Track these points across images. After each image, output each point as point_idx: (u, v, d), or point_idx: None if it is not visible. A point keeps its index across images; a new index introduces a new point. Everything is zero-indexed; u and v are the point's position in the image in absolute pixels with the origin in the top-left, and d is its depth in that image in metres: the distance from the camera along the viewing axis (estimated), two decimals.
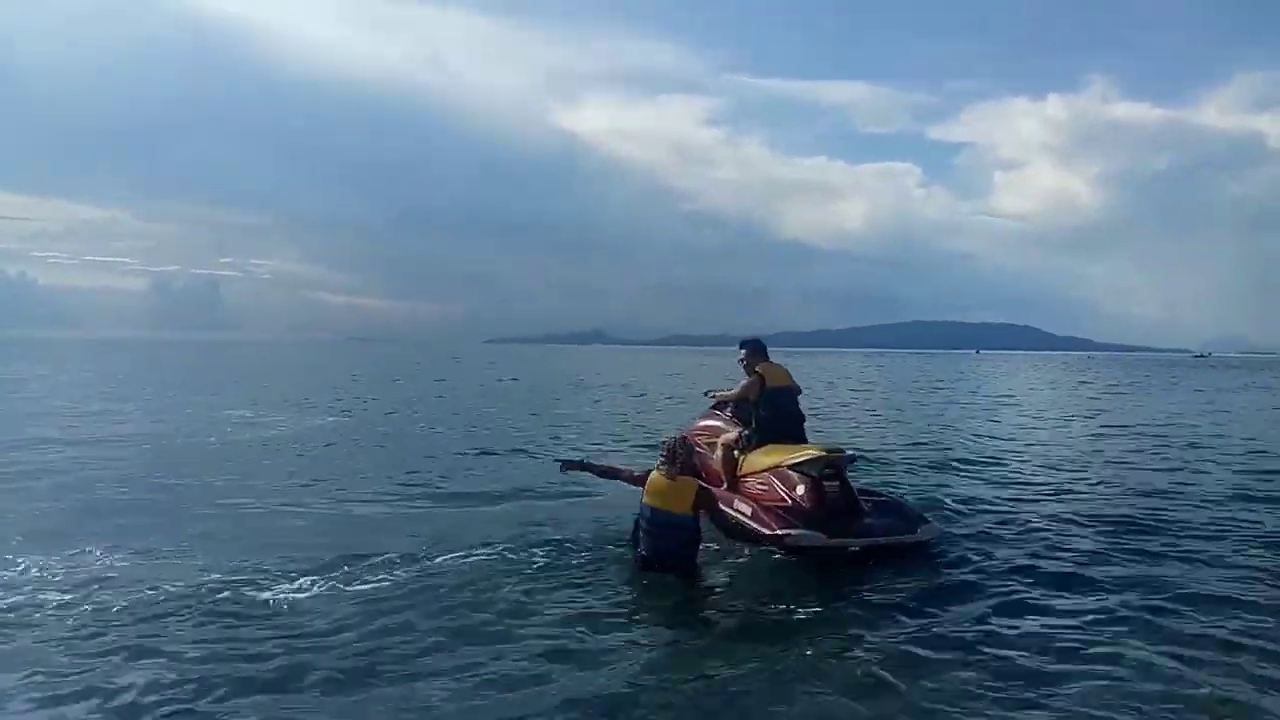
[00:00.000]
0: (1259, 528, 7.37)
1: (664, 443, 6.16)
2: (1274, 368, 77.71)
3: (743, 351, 7.48)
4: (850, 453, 6.76)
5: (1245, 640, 4.58)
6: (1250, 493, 9.06)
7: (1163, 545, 6.71)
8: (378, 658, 4.30)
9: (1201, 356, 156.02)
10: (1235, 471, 10.73)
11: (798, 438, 7.18)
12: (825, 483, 6.47)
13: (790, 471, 6.59)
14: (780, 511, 6.35)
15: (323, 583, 5.42)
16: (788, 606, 5.20)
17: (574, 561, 6.10)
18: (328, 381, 31.75)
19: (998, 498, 8.71)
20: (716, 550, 6.43)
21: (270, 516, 7.63)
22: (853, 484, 6.73)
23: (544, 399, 24.47)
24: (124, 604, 4.98)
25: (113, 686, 3.92)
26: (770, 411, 7.19)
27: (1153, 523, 7.50)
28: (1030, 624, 4.89)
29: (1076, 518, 7.67)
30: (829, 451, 6.58)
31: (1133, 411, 21.78)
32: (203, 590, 5.25)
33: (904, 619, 4.97)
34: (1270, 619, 4.93)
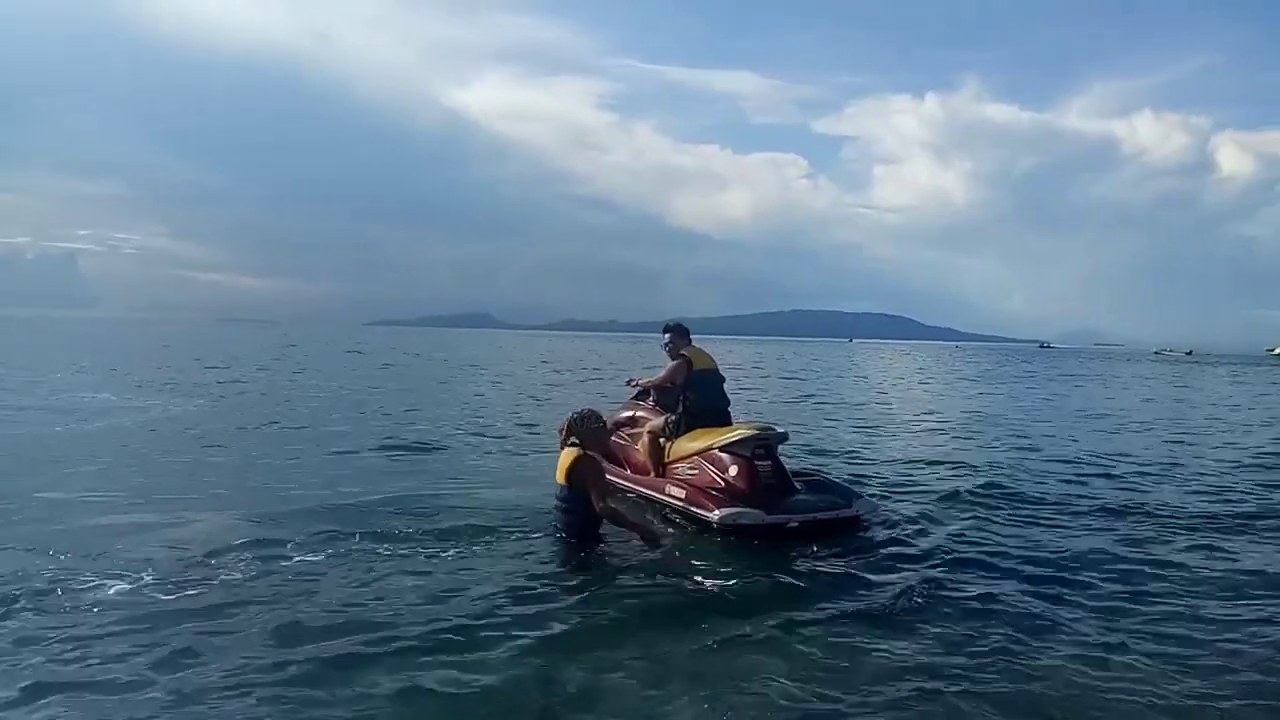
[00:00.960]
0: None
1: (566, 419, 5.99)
2: (1099, 358, 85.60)
3: (667, 335, 7.39)
4: (781, 430, 6.69)
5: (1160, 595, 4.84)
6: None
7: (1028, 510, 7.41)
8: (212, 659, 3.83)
9: (1045, 347, 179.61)
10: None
11: (724, 421, 7.11)
12: (757, 462, 6.40)
13: (721, 453, 6.51)
14: (714, 493, 6.23)
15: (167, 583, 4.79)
16: (722, 586, 5.11)
17: (493, 546, 5.76)
18: (194, 363, 29.32)
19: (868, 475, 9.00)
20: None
21: (116, 516, 6.56)
22: (784, 463, 6.69)
23: (437, 386, 23.47)
24: None
25: None
26: (697, 395, 7.11)
27: (1017, 492, 8.22)
28: (965, 592, 4.95)
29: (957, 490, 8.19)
30: (760, 430, 6.50)
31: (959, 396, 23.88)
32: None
33: (840, 596, 4.92)
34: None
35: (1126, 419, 17.37)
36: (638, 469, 7.42)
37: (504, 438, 11.82)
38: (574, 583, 5.08)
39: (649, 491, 6.87)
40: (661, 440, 7.14)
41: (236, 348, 45.70)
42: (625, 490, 7.24)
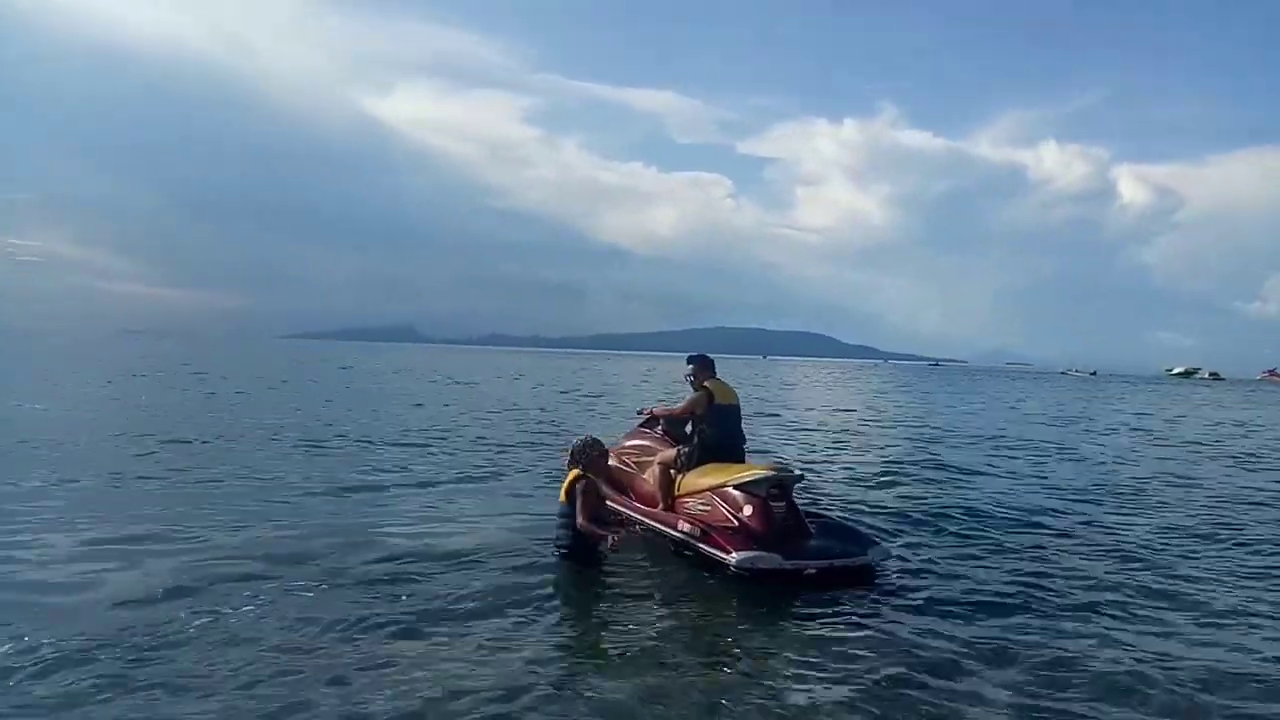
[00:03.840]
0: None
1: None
2: (984, 374, 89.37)
3: (690, 366, 7.23)
4: (797, 472, 6.60)
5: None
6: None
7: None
8: None
9: (934, 365, 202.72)
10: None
11: (738, 458, 6.99)
12: (772, 503, 6.28)
13: (734, 491, 6.35)
14: (729, 533, 6.09)
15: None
16: (719, 619, 5.28)
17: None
18: (97, 375, 27.46)
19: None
20: (659, 568, 6.33)
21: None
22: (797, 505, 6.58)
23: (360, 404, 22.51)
24: None
25: None
26: (715, 430, 6.94)
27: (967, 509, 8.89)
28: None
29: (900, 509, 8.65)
30: (777, 471, 6.39)
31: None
32: None
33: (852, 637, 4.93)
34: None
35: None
36: (644, 499, 7.22)
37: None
38: (567, 600, 5.49)
39: (661, 526, 6.68)
40: (672, 472, 6.96)
41: (140, 361, 43.13)
42: (635, 520, 7.05)
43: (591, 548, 6.12)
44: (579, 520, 6.02)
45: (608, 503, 7.27)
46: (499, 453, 12.45)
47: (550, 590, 5.57)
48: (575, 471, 6.27)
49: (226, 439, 12.74)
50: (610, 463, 7.80)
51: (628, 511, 7.17)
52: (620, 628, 5.01)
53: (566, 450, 6.42)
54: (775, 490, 6.35)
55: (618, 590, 5.73)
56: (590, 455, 6.43)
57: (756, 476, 6.31)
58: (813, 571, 5.91)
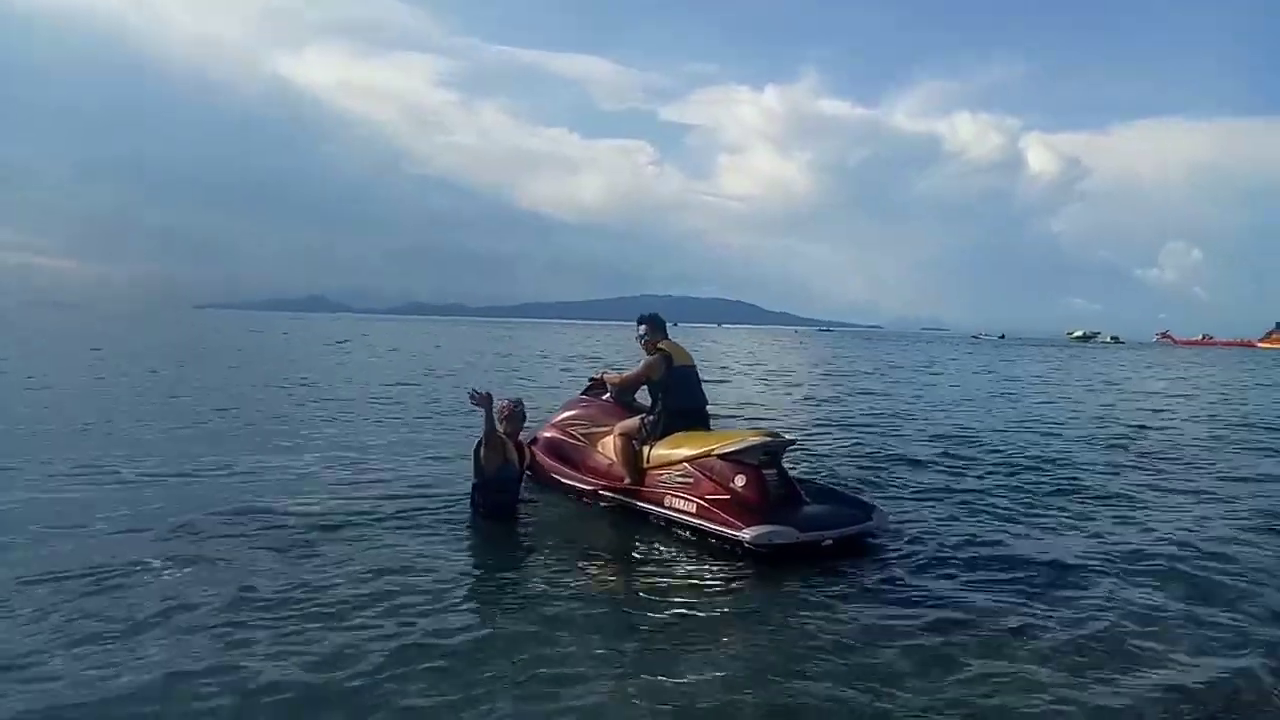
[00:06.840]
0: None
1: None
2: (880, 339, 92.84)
3: (642, 328, 6.52)
4: (789, 436, 6.02)
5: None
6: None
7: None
8: None
9: (826, 330, 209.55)
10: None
11: (703, 421, 6.41)
12: (764, 471, 5.70)
13: (721, 462, 5.70)
14: (727, 507, 5.47)
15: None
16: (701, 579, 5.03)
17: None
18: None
19: None
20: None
21: None
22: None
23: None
24: None
25: None
26: (676, 394, 6.30)
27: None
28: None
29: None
30: (771, 436, 5.81)
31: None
32: None
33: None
34: None
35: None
36: (600, 474, 6.62)
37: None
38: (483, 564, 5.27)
39: (645, 505, 6.05)
40: (635, 443, 6.31)
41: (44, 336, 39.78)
42: (606, 497, 6.41)
43: (500, 504, 6.05)
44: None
45: (565, 480, 6.87)
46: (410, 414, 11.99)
47: (470, 552, 5.38)
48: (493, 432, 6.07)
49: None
50: (549, 435, 7.26)
51: (585, 487, 6.58)
52: (559, 589, 4.73)
53: (503, 410, 6.29)
54: (765, 458, 5.76)
55: (560, 552, 5.48)
56: (507, 415, 6.32)
57: (746, 444, 5.67)
58: (830, 542, 5.36)
